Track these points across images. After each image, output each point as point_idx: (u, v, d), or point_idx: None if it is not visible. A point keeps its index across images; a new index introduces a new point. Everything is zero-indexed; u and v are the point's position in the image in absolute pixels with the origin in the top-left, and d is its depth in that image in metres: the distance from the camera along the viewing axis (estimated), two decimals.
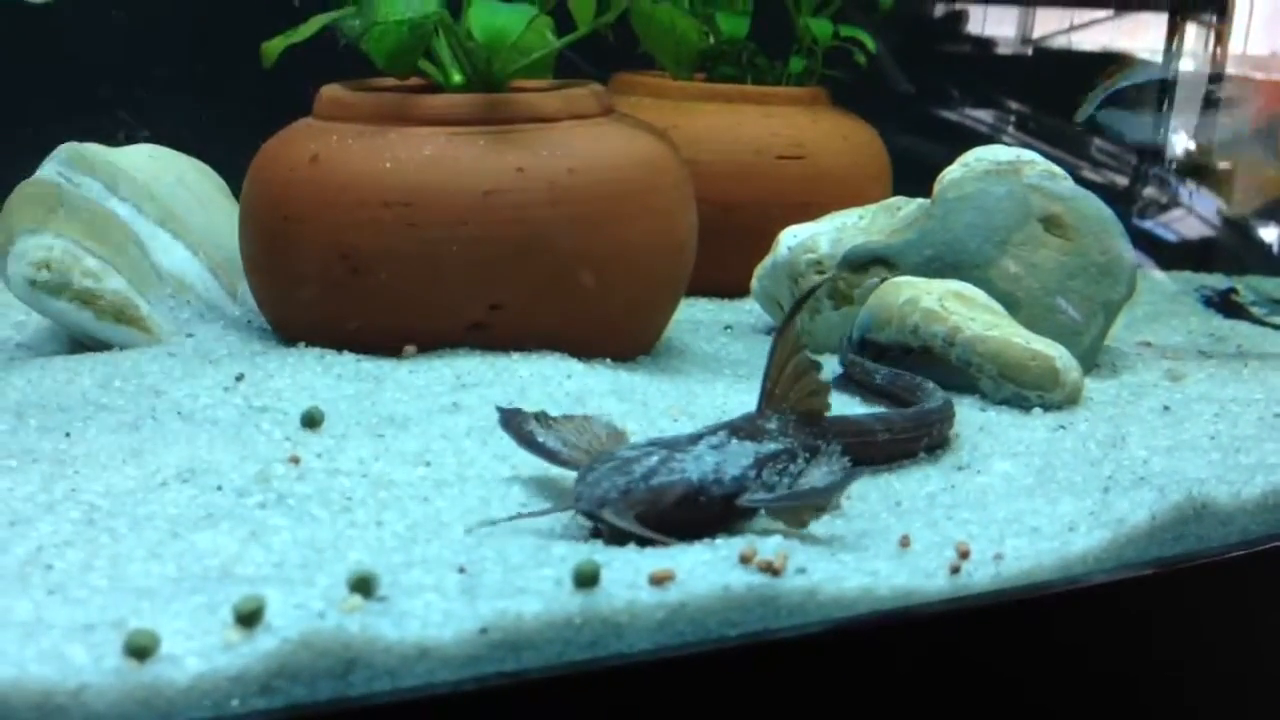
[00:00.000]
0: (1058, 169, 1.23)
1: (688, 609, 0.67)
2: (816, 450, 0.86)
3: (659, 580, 0.68)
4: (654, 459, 0.78)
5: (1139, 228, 1.90)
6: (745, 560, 0.71)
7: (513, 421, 0.87)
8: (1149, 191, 1.97)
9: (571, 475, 0.82)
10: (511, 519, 0.77)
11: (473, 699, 0.62)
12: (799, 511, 0.79)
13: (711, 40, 1.50)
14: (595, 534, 0.76)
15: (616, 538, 0.75)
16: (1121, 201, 1.93)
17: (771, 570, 0.70)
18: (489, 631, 0.63)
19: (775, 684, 0.69)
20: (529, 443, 0.86)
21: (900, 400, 1.04)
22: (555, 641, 0.65)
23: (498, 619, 0.64)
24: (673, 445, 0.80)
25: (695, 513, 0.76)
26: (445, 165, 1.06)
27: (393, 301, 1.07)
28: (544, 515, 0.77)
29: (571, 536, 0.76)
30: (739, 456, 0.80)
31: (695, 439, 0.82)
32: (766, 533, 0.77)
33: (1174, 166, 1.96)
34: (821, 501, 0.80)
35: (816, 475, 0.83)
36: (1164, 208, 1.95)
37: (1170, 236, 1.91)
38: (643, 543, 0.74)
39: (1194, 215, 1.93)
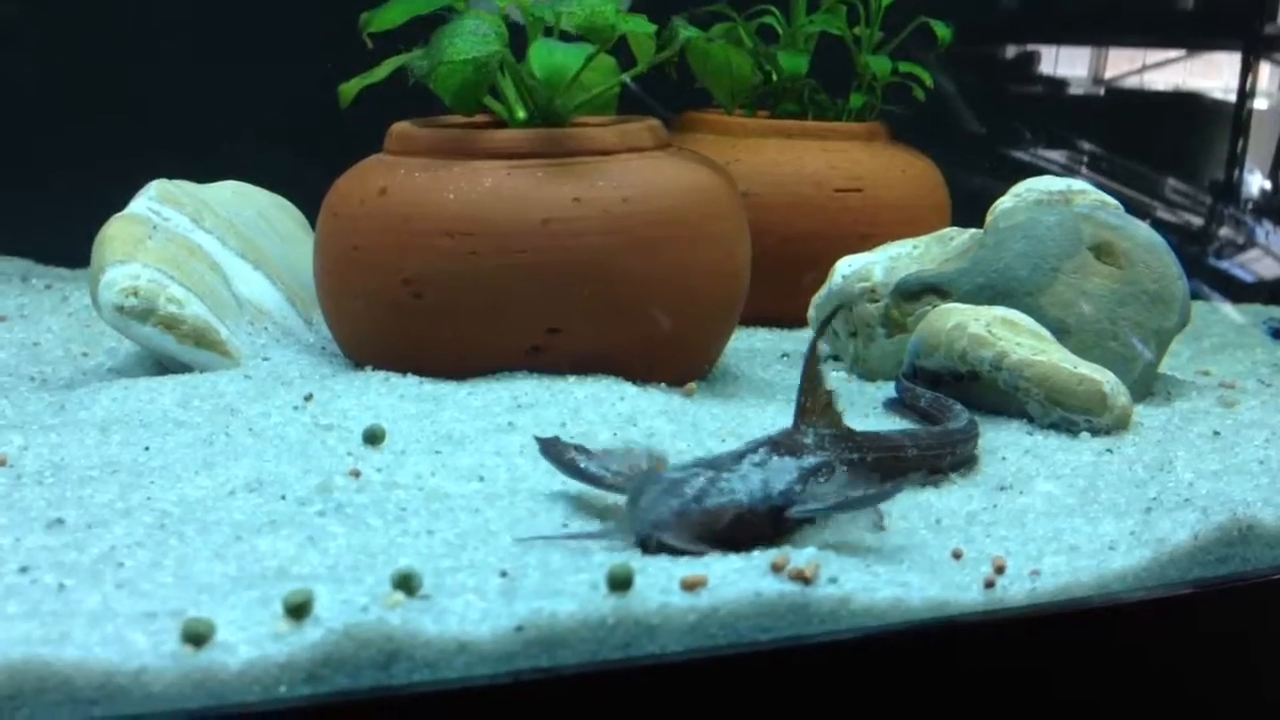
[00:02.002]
0: (1109, 198, 1.23)
1: (719, 613, 0.69)
2: (853, 464, 0.88)
3: (691, 585, 0.70)
4: (702, 480, 0.80)
5: (1212, 264, 1.88)
6: (777, 569, 0.73)
7: (552, 450, 0.90)
8: (1223, 230, 1.95)
9: (613, 496, 0.85)
10: (559, 537, 0.79)
11: (507, 692, 0.65)
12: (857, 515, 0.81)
13: (774, 78, 1.53)
14: (638, 545, 0.78)
15: (658, 550, 0.77)
16: (1196, 240, 1.92)
17: (803, 579, 0.72)
18: (524, 629, 0.66)
19: (805, 688, 0.71)
20: (572, 469, 0.88)
21: (936, 420, 1.06)
22: (589, 641, 0.67)
23: (533, 618, 0.66)
24: (717, 464, 0.82)
25: (747, 529, 0.79)
26: (505, 196, 1.10)
27: (455, 326, 1.11)
28: (594, 538, 0.79)
29: (612, 546, 0.79)
30: (783, 471, 0.83)
31: (738, 456, 0.84)
32: (804, 544, 0.79)
33: (1248, 205, 1.94)
34: (871, 506, 0.82)
35: (858, 489, 0.85)
36: (1237, 245, 1.93)
37: (1243, 273, 1.89)
38: (677, 552, 0.76)
39: (1269, 252, 1.91)
